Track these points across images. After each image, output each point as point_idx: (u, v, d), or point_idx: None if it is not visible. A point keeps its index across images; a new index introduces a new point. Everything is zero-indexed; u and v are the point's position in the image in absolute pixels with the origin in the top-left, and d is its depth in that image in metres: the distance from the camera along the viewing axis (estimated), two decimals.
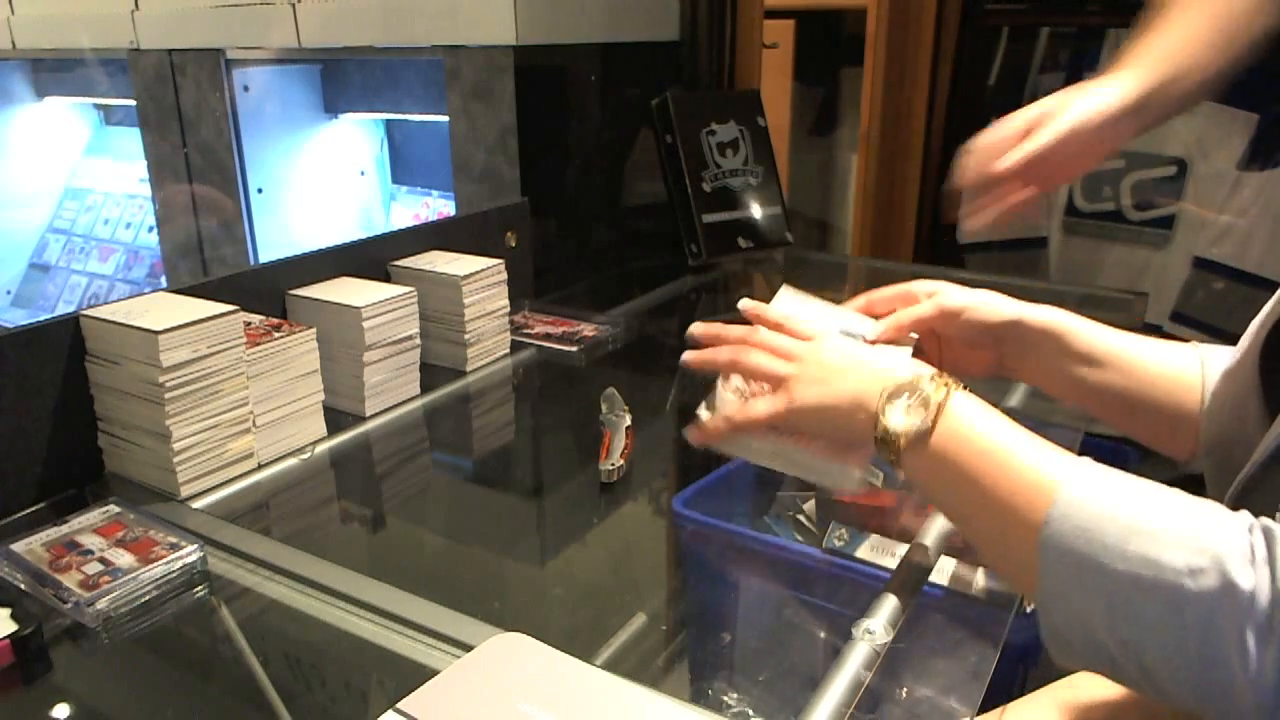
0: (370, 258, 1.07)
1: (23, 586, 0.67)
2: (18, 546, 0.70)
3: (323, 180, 1.88)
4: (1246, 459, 0.52)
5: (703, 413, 0.70)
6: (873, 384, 0.58)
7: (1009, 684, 1.12)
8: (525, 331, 1.19)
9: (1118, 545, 0.45)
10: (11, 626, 0.61)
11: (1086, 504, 0.47)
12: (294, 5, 1.51)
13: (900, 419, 0.56)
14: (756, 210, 1.56)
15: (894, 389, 0.57)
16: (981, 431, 0.53)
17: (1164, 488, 0.47)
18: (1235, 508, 0.46)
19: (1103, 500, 0.47)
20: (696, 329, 0.70)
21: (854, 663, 0.55)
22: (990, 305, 0.69)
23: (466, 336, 1.07)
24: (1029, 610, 0.55)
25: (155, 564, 0.68)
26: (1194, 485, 0.51)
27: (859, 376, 0.59)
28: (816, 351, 0.63)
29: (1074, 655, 0.48)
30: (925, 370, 0.58)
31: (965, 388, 0.57)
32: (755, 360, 0.64)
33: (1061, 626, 0.48)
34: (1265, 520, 0.44)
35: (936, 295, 0.70)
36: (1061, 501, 0.47)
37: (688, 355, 0.69)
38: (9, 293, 2.46)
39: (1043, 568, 0.47)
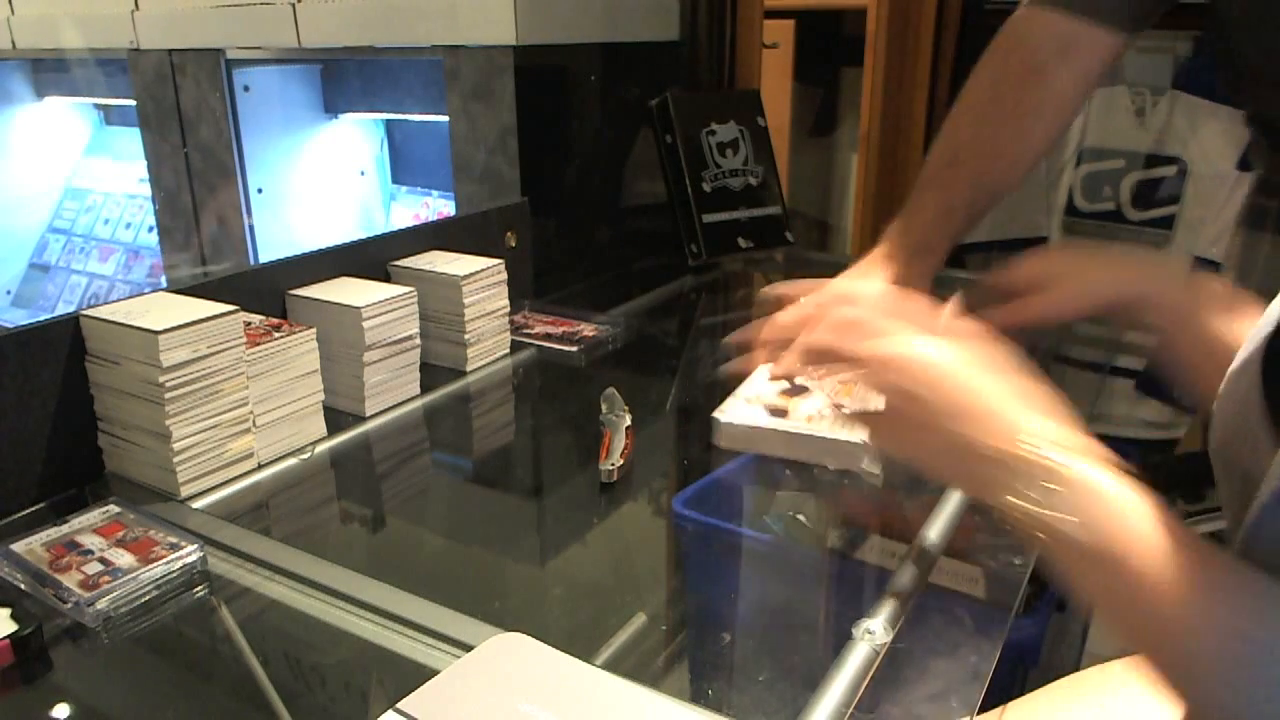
0: (370, 258, 1.07)
1: (23, 586, 0.67)
2: (18, 546, 0.70)
3: (323, 180, 1.88)
4: (1249, 462, 0.52)
5: (720, 416, 0.72)
6: (996, 444, 0.49)
7: (1009, 684, 1.12)
8: (525, 331, 1.19)
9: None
10: (11, 626, 0.61)
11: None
12: (294, 5, 1.51)
13: (1033, 497, 0.48)
14: (756, 210, 1.56)
15: (1025, 463, 0.48)
16: (1126, 520, 0.46)
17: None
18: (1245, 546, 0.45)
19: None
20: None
21: (854, 663, 0.55)
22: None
23: (466, 336, 1.07)
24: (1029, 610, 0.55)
25: (155, 564, 0.68)
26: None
27: (975, 408, 0.51)
28: (931, 358, 0.53)
29: None
30: (1053, 434, 0.49)
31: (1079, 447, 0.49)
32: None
33: None
34: None
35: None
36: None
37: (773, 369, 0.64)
38: (9, 293, 2.46)
39: (1227, 692, 0.43)
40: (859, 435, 0.68)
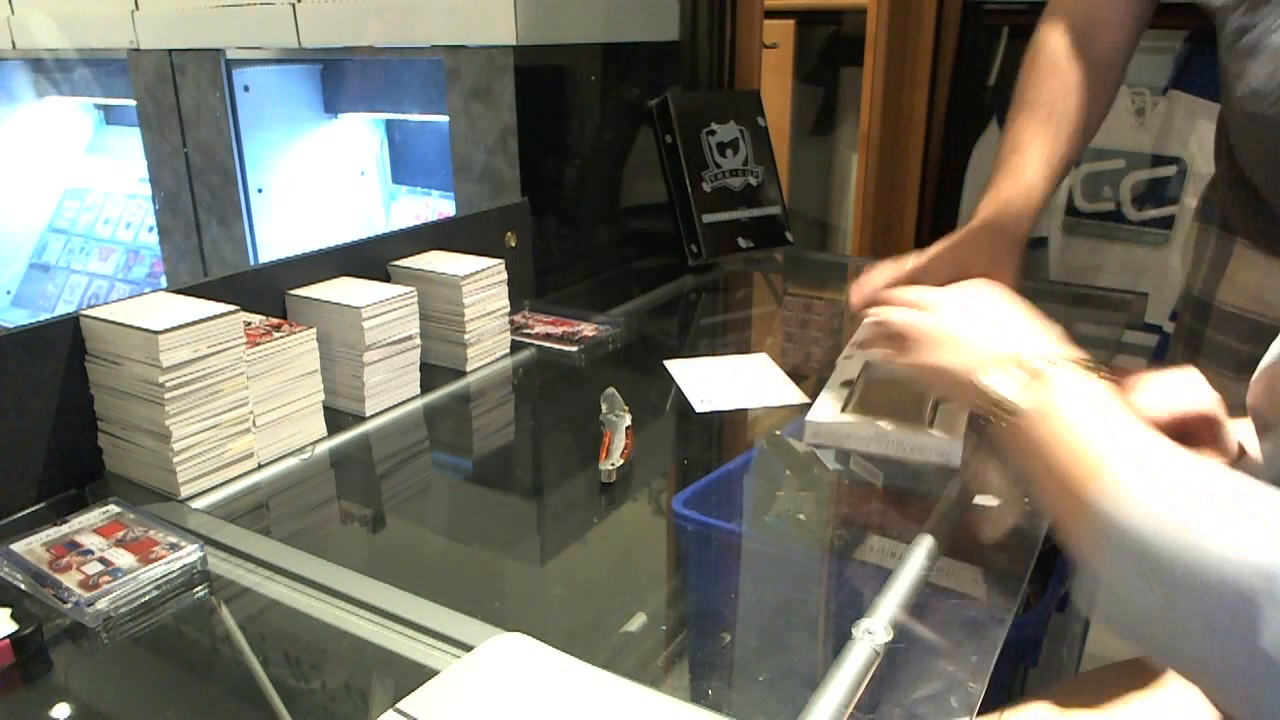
0: (370, 258, 1.07)
1: (23, 586, 0.67)
2: (18, 546, 0.70)
3: (323, 180, 1.88)
4: None
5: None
6: (988, 350, 0.64)
7: (1009, 684, 1.12)
8: (525, 331, 1.19)
9: (1157, 516, 0.46)
10: (11, 626, 0.61)
11: (1140, 479, 0.49)
12: (294, 5, 1.51)
13: (1002, 387, 0.60)
14: (756, 210, 1.56)
15: (1003, 361, 0.62)
16: (1069, 411, 0.56)
17: (1230, 473, 0.48)
18: None
19: (1157, 476, 0.49)
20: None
21: (854, 663, 0.55)
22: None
23: (466, 336, 1.07)
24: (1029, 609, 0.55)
25: (155, 564, 0.68)
26: None
27: (980, 343, 0.65)
28: (956, 302, 0.71)
29: (1115, 623, 0.50)
30: (1040, 346, 0.62)
31: (1086, 365, 0.60)
32: (893, 317, 0.74)
33: (1102, 592, 0.50)
34: None
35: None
36: (1117, 473, 0.50)
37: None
38: (9, 293, 2.46)
39: (1092, 537, 0.49)
40: (944, 433, 0.80)
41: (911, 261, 0.93)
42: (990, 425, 0.62)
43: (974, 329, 0.68)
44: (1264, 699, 0.43)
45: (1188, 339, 1.05)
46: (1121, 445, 0.52)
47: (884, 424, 0.82)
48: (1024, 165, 0.93)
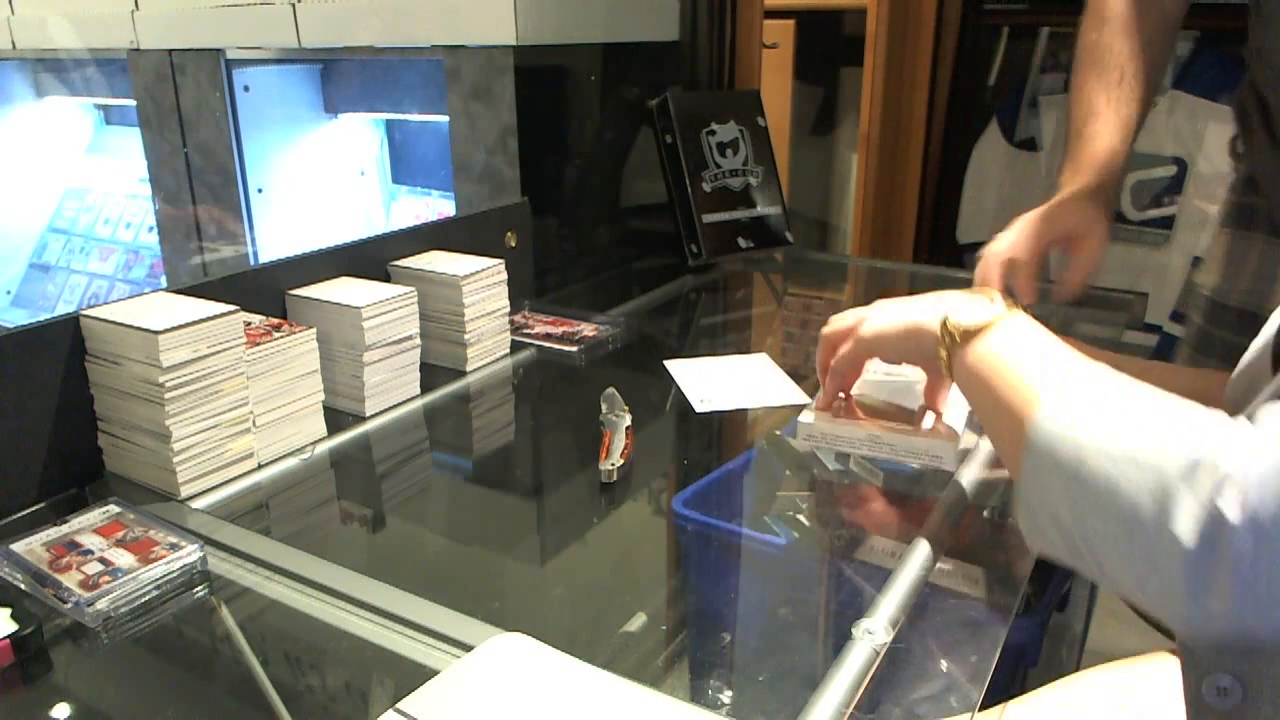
0: (370, 258, 1.07)
1: (23, 586, 0.67)
2: (18, 546, 0.70)
3: (323, 180, 1.88)
4: None
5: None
6: (943, 301, 0.68)
7: (1009, 684, 1.12)
8: (525, 331, 1.19)
9: (1083, 427, 0.49)
10: (11, 626, 0.61)
11: (1070, 395, 0.52)
12: (294, 5, 1.51)
13: (965, 317, 0.64)
14: (756, 210, 1.56)
15: (964, 300, 0.66)
16: (1015, 344, 0.61)
17: (1156, 391, 0.50)
18: None
19: (1086, 392, 0.52)
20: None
21: (854, 663, 0.55)
22: None
23: (466, 336, 1.07)
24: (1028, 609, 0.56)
25: (155, 564, 0.68)
26: None
27: (923, 303, 0.71)
28: (884, 302, 0.75)
29: (1044, 539, 0.53)
30: (989, 292, 0.66)
31: (1028, 313, 0.64)
32: (828, 329, 0.80)
33: (1033, 506, 0.52)
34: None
35: None
36: (1049, 392, 0.53)
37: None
38: (9, 293, 2.46)
39: (1024, 454, 0.52)
40: (938, 436, 0.81)
41: (1003, 241, 0.93)
42: (945, 360, 0.66)
43: (901, 301, 0.74)
44: (1181, 590, 0.43)
45: (1225, 353, 1.01)
46: (1060, 369, 0.56)
47: (876, 427, 0.82)
48: (1102, 131, 0.94)
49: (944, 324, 0.65)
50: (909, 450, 0.81)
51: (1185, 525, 0.42)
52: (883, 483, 0.82)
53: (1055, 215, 0.92)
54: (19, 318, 2.39)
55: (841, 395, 0.85)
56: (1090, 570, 0.50)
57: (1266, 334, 0.56)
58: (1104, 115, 0.94)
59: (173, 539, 0.71)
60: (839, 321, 0.79)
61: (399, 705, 0.51)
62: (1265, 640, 0.43)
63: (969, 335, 0.64)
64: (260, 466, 0.86)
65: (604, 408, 0.93)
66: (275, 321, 0.91)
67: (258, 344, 0.85)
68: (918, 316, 0.70)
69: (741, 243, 1.53)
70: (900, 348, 0.73)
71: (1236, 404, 0.60)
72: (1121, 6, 0.95)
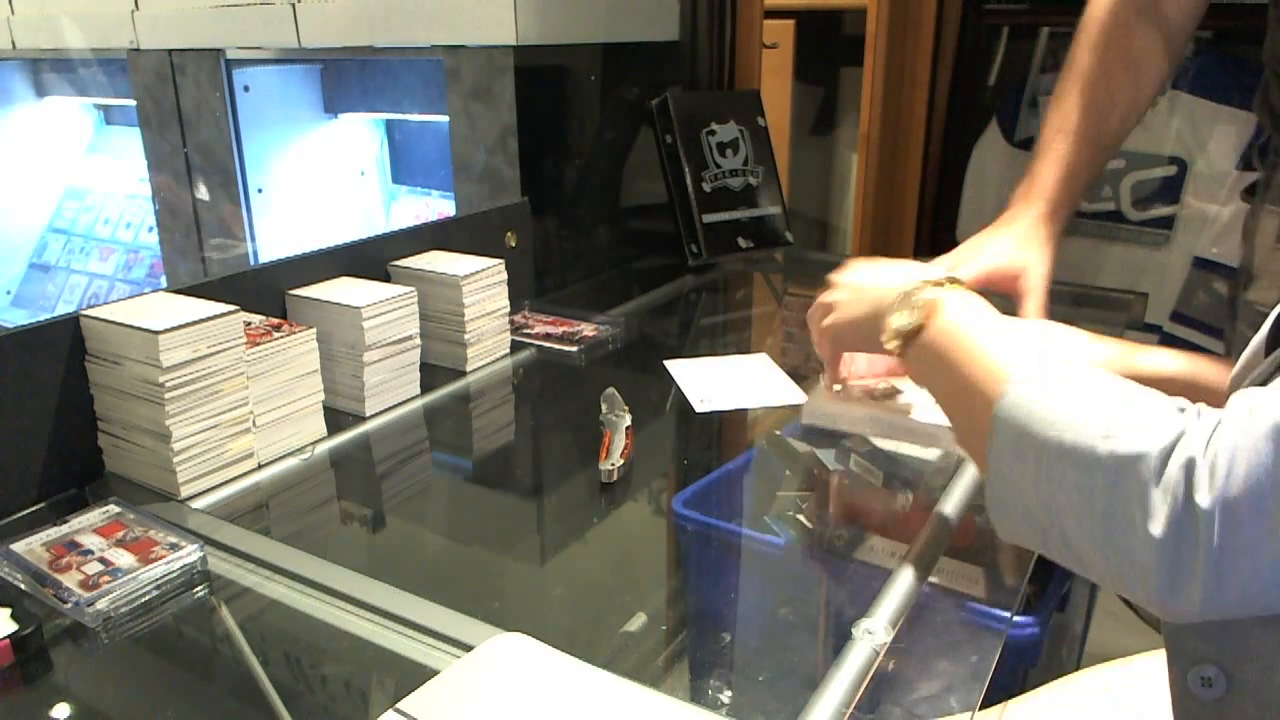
0: (370, 258, 1.07)
1: (23, 586, 0.67)
2: (18, 546, 0.70)
3: (323, 180, 1.88)
4: None
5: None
6: (886, 295, 0.67)
7: (1009, 684, 1.12)
8: (525, 331, 1.19)
9: (1051, 416, 0.49)
10: (11, 626, 0.61)
11: (1037, 384, 0.51)
12: (294, 5, 1.51)
13: (899, 320, 0.64)
14: (756, 210, 1.56)
15: (899, 297, 0.65)
16: (966, 326, 0.60)
17: (1122, 380, 0.50)
18: None
19: (1053, 381, 0.51)
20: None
21: (854, 663, 0.55)
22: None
23: (466, 336, 1.07)
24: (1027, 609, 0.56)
25: (155, 564, 0.68)
26: None
27: (877, 292, 0.70)
28: (849, 282, 0.76)
29: (1013, 525, 0.52)
30: (928, 275, 0.66)
31: (966, 287, 0.64)
32: (810, 316, 0.79)
33: (1001, 494, 0.52)
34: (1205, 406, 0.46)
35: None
36: (1015, 381, 0.52)
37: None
38: (9, 293, 2.46)
39: (991, 441, 0.52)
40: (938, 420, 0.79)
41: (944, 260, 0.92)
42: (901, 359, 0.66)
43: (864, 285, 0.74)
44: (1154, 576, 0.44)
45: None
46: (1014, 352, 0.55)
47: (877, 408, 0.82)
48: (1066, 152, 0.92)
49: (888, 333, 0.65)
50: (909, 431, 0.81)
51: (1156, 511, 0.43)
52: (883, 483, 0.82)
53: (993, 238, 0.91)
54: (19, 318, 2.39)
55: (843, 380, 0.85)
56: (1063, 557, 0.50)
57: (1266, 325, 0.55)
58: (1050, 157, 0.93)
59: (173, 539, 0.71)
60: (817, 309, 0.80)
61: (399, 705, 0.51)
62: (1242, 619, 0.44)
63: (908, 338, 0.64)
64: (260, 466, 0.86)
65: (604, 408, 0.93)
66: (275, 321, 0.91)
67: (258, 344, 0.85)
68: (864, 311, 0.71)
69: (741, 243, 1.53)
70: (856, 341, 0.74)
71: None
72: (1089, 47, 0.92)
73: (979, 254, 0.90)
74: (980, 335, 0.59)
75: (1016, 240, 0.91)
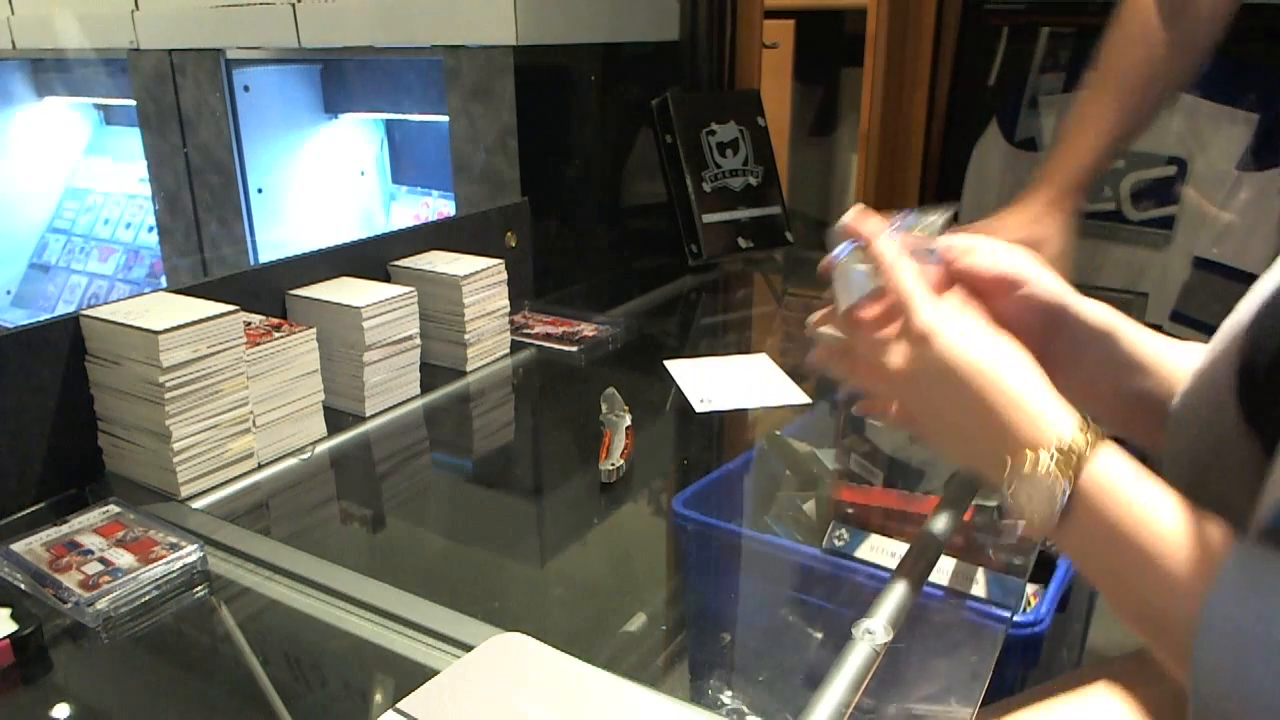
0: (370, 258, 1.07)
1: (23, 586, 0.67)
2: (18, 546, 0.70)
3: (323, 180, 1.88)
4: (1225, 488, 0.50)
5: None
6: (997, 451, 0.51)
7: (1009, 684, 1.12)
8: (525, 331, 1.19)
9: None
10: (11, 626, 0.61)
11: (1242, 598, 0.43)
12: (294, 5, 1.51)
13: (1034, 505, 0.50)
14: (756, 210, 1.56)
15: (1022, 464, 0.50)
16: (1125, 498, 0.48)
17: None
18: None
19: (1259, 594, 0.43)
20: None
21: (854, 663, 0.55)
22: (1050, 286, 0.62)
23: (466, 336, 1.07)
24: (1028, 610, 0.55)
25: (155, 564, 0.68)
26: None
27: (981, 433, 0.53)
28: (923, 376, 0.55)
29: None
30: (1056, 430, 0.50)
31: (1100, 435, 0.50)
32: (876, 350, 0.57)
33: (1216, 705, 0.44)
34: None
35: (997, 259, 0.62)
36: (1212, 601, 0.44)
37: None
38: (9, 293, 2.46)
39: (1197, 650, 0.44)
40: None
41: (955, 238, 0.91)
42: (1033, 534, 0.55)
43: (961, 410, 0.54)
44: None
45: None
46: (1204, 536, 0.46)
47: None
48: (1089, 132, 0.92)
49: (1019, 501, 0.50)
50: None
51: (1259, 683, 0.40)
52: (883, 483, 0.82)
53: (1007, 220, 0.91)
54: (19, 318, 2.39)
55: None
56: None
57: (1247, 303, 0.52)
58: (1087, 126, 0.92)
59: (173, 539, 0.71)
60: (891, 351, 0.57)
61: (399, 705, 0.51)
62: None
63: (1049, 522, 0.50)
64: (260, 466, 0.86)
65: (604, 408, 0.93)
66: (275, 321, 0.91)
67: (258, 344, 0.85)
68: (974, 434, 0.54)
69: (741, 243, 1.53)
70: (950, 452, 0.58)
71: (1188, 423, 0.57)
72: (1149, 19, 0.93)
73: (994, 231, 0.90)
74: (1152, 512, 0.47)
75: (1033, 214, 0.91)
